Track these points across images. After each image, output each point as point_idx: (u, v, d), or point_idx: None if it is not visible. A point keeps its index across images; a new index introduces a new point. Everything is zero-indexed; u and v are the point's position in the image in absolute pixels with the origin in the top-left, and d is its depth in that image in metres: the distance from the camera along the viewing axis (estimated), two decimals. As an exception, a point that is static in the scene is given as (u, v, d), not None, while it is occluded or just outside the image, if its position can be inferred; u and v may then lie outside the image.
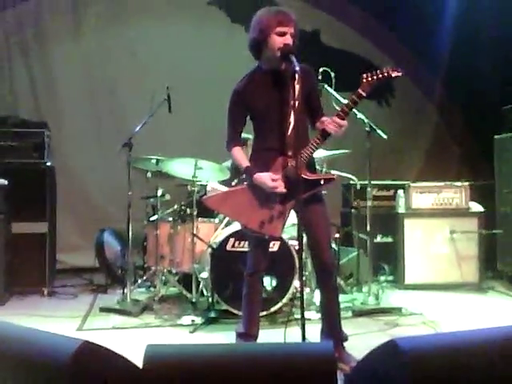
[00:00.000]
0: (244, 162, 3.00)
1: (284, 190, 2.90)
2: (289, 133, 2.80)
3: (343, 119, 2.85)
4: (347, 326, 3.69)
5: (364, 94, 2.81)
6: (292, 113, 2.76)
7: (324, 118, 2.98)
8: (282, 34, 2.85)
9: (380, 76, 2.82)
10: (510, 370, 1.48)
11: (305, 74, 2.89)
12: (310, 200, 2.92)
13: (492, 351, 1.58)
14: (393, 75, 2.83)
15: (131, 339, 3.50)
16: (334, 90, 4.10)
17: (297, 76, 2.66)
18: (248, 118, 3.09)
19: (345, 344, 3.10)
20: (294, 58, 2.74)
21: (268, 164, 2.94)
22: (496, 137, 5.45)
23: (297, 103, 2.73)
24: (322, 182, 2.96)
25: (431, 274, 5.05)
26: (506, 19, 6.08)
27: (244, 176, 3.14)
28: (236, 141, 3.06)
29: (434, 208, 5.16)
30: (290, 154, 2.84)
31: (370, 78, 2.81)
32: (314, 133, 3.04)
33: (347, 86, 4.04)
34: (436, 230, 5.10)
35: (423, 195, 5.20)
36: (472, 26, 6.58)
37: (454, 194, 5.18)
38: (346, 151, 4.54)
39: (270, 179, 2.89)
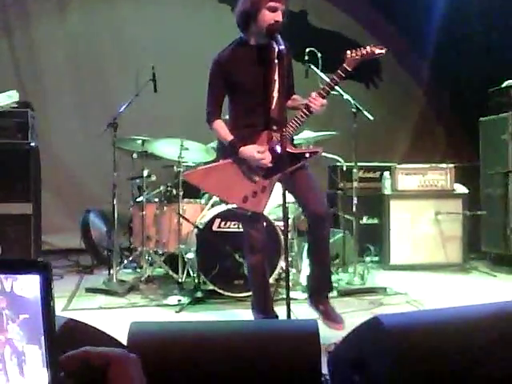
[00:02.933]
0: (228, 135, 2.95)
1: (269, 164, 2.89)
2: (272, 107, 2.82)
3: (324, 97, 2.85)
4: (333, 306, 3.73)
5: (349, 69, 2.83)
6: (276, 88, 2.78)
7: (296, 96, 3.04)
8: (274, 10, 2.81)
9: (364, 52, 2.84)
10: (490, 345, 1.51)
11: (286, 52, 2.90)
12: (295, 170, 2.94)
13: (473, 327, 1.61)
14: (376, 52, 2.85)
15: (117, 319, 3.50)
16: (321, 71, 4.08)
17: (282, 54, 2.68)
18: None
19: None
20: (279, 37, 2.73)
21: (252, 139, 2.92)
22: (481, 119, 5.48)
23: (278, 79, 2.77)
24: (307, 156, 2.97)
25: (416, 255, 5.11)
26: (495, 5, 6.08)
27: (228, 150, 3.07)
28: (217, 114, 3.01)
29: (419, 190, 5.21)
30: (274, 128, 2.84)
31: (354, 54, 2.84)
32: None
33: (334, 67, 4.03)
34: (421, 211, 5.15)
35: (409, 177, 5.23)
36: (461, 11, 6.57)
37: (440, 175, 5.23)
38: (332, 133, 4.53)
39: (256, 151, 2.87)
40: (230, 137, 2.95)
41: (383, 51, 2.86)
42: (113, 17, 6.26)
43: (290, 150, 2.89)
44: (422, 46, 6.94)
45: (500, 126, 5.18)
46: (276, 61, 2.82)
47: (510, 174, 5.02)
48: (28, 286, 0.77)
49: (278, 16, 2.83)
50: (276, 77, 2.85)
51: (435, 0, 6.67)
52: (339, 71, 2.84)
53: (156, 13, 6.30)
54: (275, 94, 2.85)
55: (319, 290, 3.08)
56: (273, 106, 2.84)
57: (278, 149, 2.83)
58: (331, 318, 2.95)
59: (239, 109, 3.00)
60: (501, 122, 5.18)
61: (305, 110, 2.87)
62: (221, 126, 3.00)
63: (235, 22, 2.98)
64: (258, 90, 2.91)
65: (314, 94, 2.86)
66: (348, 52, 2.84)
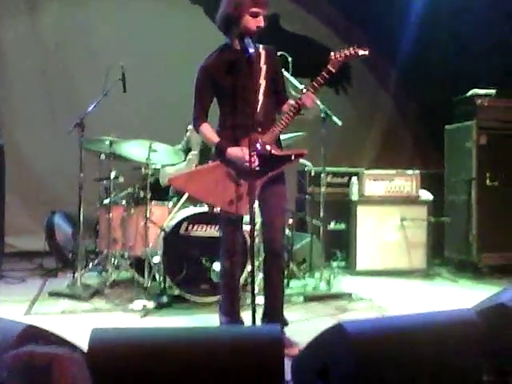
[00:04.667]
0: (215, 137, 2.97)
1: (257, 167, 2.85)
2: (258, 110, 2.86)
3: (314, 93, 2.89)
4: (298, 311, 3.76)
5: (334, 71, 2.86)
6: (260, 91, 2.85)
7: (291, 102, 3.02)
8: (256, 15, 2.85)
9: (347, 54, 2.88)
10: (446, 351, 1.54)
11: (271, 56, 2.98)
12: (273, 180, 2.96)
13: (432, 334, 1.64)
14: (360, 53, 2.90)
15: (80, 324, 3.44)
16: (291, 75, 4.10)
17: (251, 58, 2.70)
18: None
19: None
20: (249, 41, 2.76)
21: (237, 140, 2.93)
22: (447, 127, 5.60)
23: (264, 82, 2.82)
24: (292, 158, 2.98)
25: (382, 261, 5.17)
26: (462, 16, 6.23)
27: (214, 152, 3.07)
28: (204, 118, 3.03)
29: (385, 195, 5.28)
30: (259, 130, 2.86)
31: (338, 55, 2.87)
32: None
33: (305, 72, 4.07)
34: (387, 217, 5.22)
35: (376, 183, 5.30)
36: (429, 20, 6.71)
37: (406, 182, 5.31)
38: (300, 134, 4.53)
39: (245, 153, 2.85)
40: (216, 139, 2.97)
41: (366, 52, 2.90)
42: (82, 16, 6.16)
43: (275, 153, 2.92)
44: (391, 53, 7.04)
45: (464, 134, 5.30)
46: (263, 63, 2.90)
47: (474, 181, 5.14)
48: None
49: (260, 22, 2.87)
50: (262, 79, 2.90)
51: (405, 9, 6.78)
52: (323, 72, 2.86)
53: (126, 12, 6.24)
54: (260, 97, 2.89)
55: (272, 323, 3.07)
56: (258, 109, 2.87)
57: (263, 151, 2.85)
58: (286, 346, 2.92)
59: (226, 111, 3.02)
60: (465, 130, 5.30)
61: (292, 109, 2.88)
62: (207, 129, 3.01)
63: (217, 24, 2.99)
64: (242, 92, 2.91)
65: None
66: (332, 53, 2.88)
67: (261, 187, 2.94)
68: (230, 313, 3.10)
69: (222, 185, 2.92)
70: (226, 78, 2.95)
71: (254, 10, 2.83)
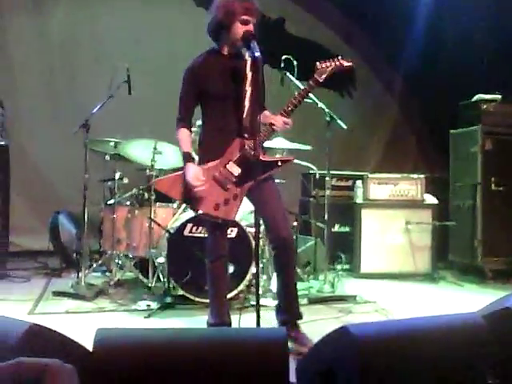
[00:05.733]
0: (186, 146, 2.97)
1: (202, 193, 2.87)
2: (244, 116, 2.88)
3: (289, 115, 2.92)
4: (303, 313, 3.75)
5: (321, 80, 2.88)
6: (248, 97, 2.87)
7: (267, 113, 3.06)
8: (246, 23, 2.88)
9: (332, 64, 2.92)
10: (451, 355, 1.54)
11: (256, 64, 2.95)
12: (262, 180, 2.94)
13: (437, 337, 1.63)
14: (344, 64, 2.93)
15: (85, 324, 3.44)
16: (296, 78, 4.10)
17: (257, 62, 2.71)
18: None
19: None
20: (255, 44, 2.78)
21: (224, 145, 2.94)
22: (451, 131, 5.59)
23: (249, 89, 2.87)
24: (279, 164, 2.98)
25: (386, 264, 5.16)
26: (467, 20, 6.22)
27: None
28: (185, 120, 3.02)
29: (390, 199, 5.27)
30: (246, 136, 2.87)
31: (324, 66, 2.91)
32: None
33: (309, 75, 4.07)
34: (392, 220, 5.21)
35: (381, 186, 5.29)
36: (435, 24, 6.71)
37: (410, 185, 5.30)
38: (307, 148, 4.55)
39: (195, 178, 2.87)
40: (186, 149, 2.97)
41: (350, 64, 2.94)
42: (88, 16, 6.18)
43: (262, 158, 2.91)
44: (396, 58, 7.05)
45: (470, 139, 5.29)
46: (249, 70, 2.92)
47: (479, 186, 5.13)
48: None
49: (250, 29, 2.89)
50: (248, 86, 2.91)
51: (410, 14, 6.79)
52: (311, 82, 2.90)
53: (132, 14, 6.26)
54: (247, 103, 2.91)
55: (288, 320, 3.07)
56: (244, 115, 2.89)
57: (250, 157, 2.85)
58: (302, 343, 2.93)
59: (212, 115, 3.01)
60: (471, 135, 5.29)
61: (269, 128, 2.94)
62: (183, 135, 3.00)
63: (206, 30, 3.00)
64: (230, 98, 2.93)
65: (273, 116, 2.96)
66: (318, 64, 2.92)
67: (249, 191, 2.94)
68: (219, 314, 3.11)
69: (208, 189, 2.92)
70: (212, 82, 2.95)
71: (244, 17, 2.87)
